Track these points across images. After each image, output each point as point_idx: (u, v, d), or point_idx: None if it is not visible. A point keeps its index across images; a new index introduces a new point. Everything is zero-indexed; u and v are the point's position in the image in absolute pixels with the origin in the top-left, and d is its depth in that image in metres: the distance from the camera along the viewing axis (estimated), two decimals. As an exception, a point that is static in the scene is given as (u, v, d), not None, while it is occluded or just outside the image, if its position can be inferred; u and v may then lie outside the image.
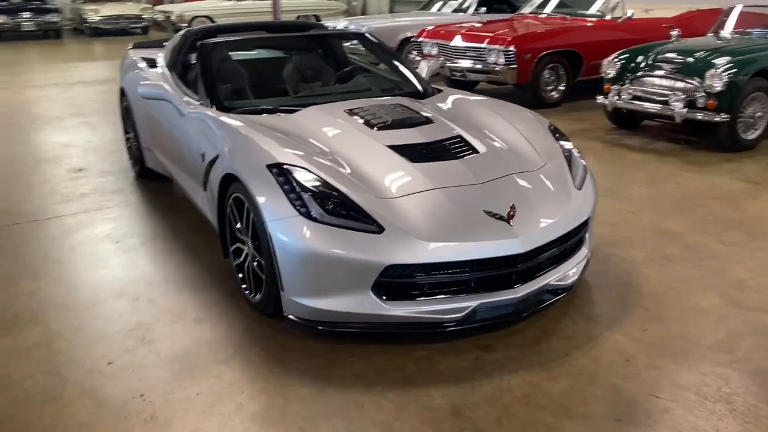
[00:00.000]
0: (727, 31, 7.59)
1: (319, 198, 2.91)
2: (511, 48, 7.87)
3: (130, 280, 3.70)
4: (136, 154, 5.36)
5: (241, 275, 3.41)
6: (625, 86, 6.68)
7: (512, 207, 3.03)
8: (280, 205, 2.92)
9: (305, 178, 2.99)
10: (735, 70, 5.94)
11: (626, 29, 8.71)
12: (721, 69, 5.94)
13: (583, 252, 3.37)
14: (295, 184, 2.96)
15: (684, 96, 6.12)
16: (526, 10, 9.83)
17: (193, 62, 4.96)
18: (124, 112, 5.53)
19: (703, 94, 6.02)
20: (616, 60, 6.87)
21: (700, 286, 3.55)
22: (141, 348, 3.03)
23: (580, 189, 3.37)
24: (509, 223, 2.96)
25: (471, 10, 11.24)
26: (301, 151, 3.21)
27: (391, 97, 4.15)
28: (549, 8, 9.68)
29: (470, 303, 2.89)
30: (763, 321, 3.18)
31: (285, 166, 3.05)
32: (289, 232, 2.86)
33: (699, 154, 6.17)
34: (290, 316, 3.01)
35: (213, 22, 17.81)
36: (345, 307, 2.86)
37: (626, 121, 7.16)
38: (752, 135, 6.24)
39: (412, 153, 3.30)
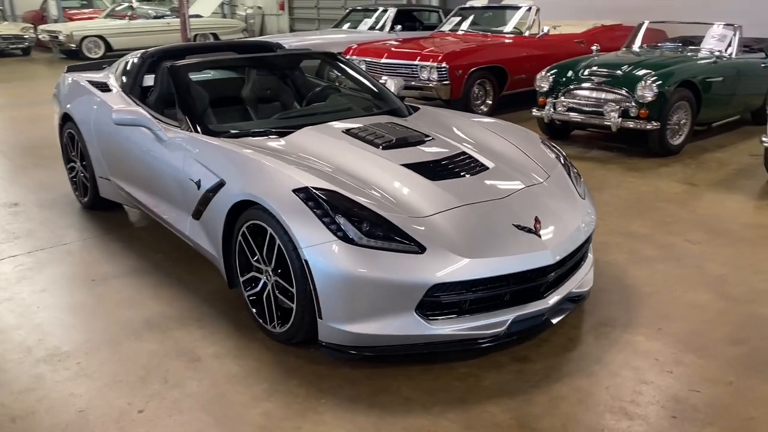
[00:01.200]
0: (637, 45, 8.18)
1: (354, 220, 2.85)
2: (444, 64, 8.07)
3: (126, 321, 3.44)
4: (86, 185, 5.00)
5: (253, 305, 3.27)
6: (559, 99, 7.03)
7: (536, 219, 3.11)
8: (314, 230, 2.83)
9: (335, 201, 2.92)
10: (661, 81, 6.41)
11: (544, 45, 9.19)
12: (650, 81, 6.40)
13: (590, 259, 3.51)
14: (326, 207, 2.89)
15: (618, 107, 6.53)
16: (445, 27, 10.11)
17: (150, 84, 4.75)
18: (68, 139, 5.14)
19: (634, 104, 6.46)
20: (548, 74, 7.22)
21: (688, 283, 3.79)
22: (168, 392, 2.82)
23: (584, 198, 3.52)
24: (538, 235, 3.04)
25: (387, 28, 11.40)
26: (321, 173, 3.14)
27: (376, 115, 4.14)
28: (465, 26, 10.02)
29: (507, 316, 2.93)
30: (757, 313, 3.44)
31: (312, 190, 2.96)
32: (328, 257, 2.78)
33: (634, 160, 6.59)
34: (327, 344, 2.91)
35: (105, 41, 16.98)
36: (388, 330, 2.81)
37: (558, 131, 7.53)
38: (678, 140, 6.76)
39: (427, 171, 3.31)
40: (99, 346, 3.18)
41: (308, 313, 2.93)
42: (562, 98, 7.02)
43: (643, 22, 8.28)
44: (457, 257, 2.82)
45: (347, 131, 3.72)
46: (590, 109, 6.81)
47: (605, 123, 6.59)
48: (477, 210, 3.08)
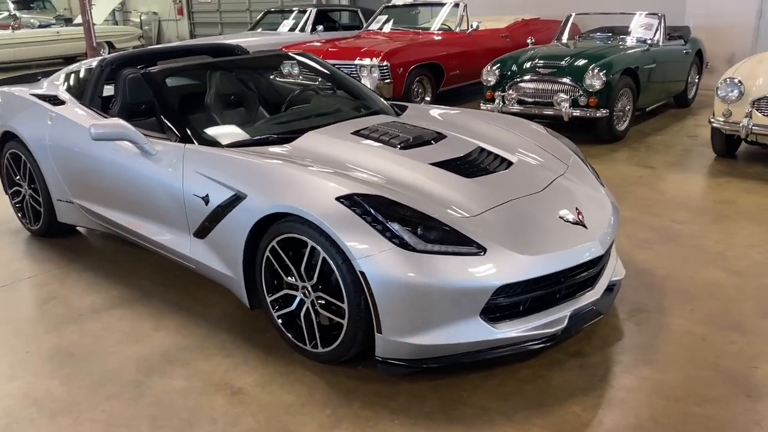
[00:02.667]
0: (566, 37, 8.43)
1: (408, 225, 2.68)
2: (385, 63, 7.96)
3: (139, 358, 3.08)
4: (38, 210, 4.48)
5: (287, 326, 3.03)
6: (507, 92, 7.11)
7: (578, 210, 3.07)
8: (368, 239, 2.63)
9: (384, 206, 2.74)
10: (606, 70, 6.62)
11: (474, 41, 9.29)
12: (597, 70, 6.58)
13: (613, 246, 3.52)
14: (375, 213, 2.69)
15: (568, 97, 6.68)
16: (373, 26, 10.00)
17: (110, 94, 4.33)
18: (9, 161, 4.59)
19: (583, 93, 6.63)
20: (494, 68, 7.28)
21: (695, 262, 3.89)
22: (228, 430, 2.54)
23: (603, 185, 3.52)
24: (585, 226, 2.99)
25: (308, 29, 11.13)
26: (358, 179, 2.94)
27: (369, 116, 3.96)
28: (391, 24, 9.96)
29: (565, 312, 2.86)
30: (769, 284, 3.58)
31: (357, 197, 2.76)
32: (387, 267, 2.59)
33: (586, 148, 6.74)
34: (385, 360, 2.72)
35: (-13, 54, 15.57)
36: (454, 339, 2.66)
37: (504, 124, 7.60)
38: (623, 126, 7.01)
39: (459, 169, 3.18)
40: (120, 392, 2.82)
41: (363, 328, 2.73)
42: (510, 91, 7.10)
43: (570, 15, 8.54)
44: (519, 255, 2.72)
45: (356, 133, 3.53)
46: (540, 100, 6.93)
47: (557, 113, 6.72)
48: (521, 205, 2.99)
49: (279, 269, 2.98)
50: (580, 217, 3.03)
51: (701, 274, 3.72)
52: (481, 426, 2.51)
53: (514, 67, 7.20)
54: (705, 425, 2.47)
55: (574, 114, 6.68)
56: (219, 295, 3.64)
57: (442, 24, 9.58)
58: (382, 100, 4.35)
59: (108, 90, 4.38)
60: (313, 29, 11.12)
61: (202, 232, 3.32)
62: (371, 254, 2.60)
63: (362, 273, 2.62)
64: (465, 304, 2.64)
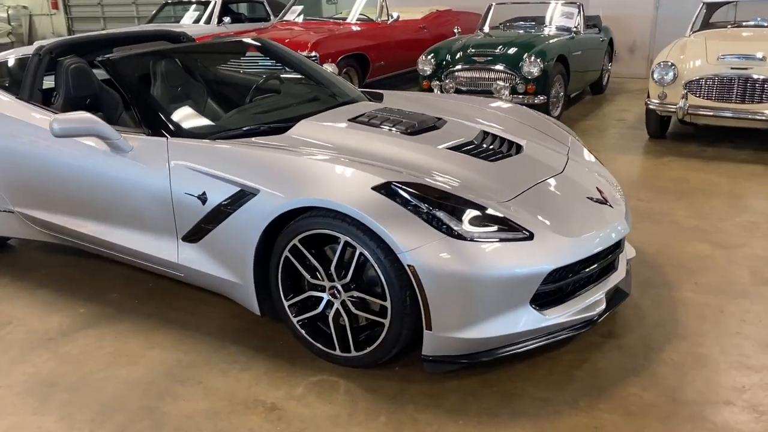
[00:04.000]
0: (488, 26, 8.52)
1: (454, 213, 2.51)
2: (314, 53, 7.68)
3: (139, 381, 2.70)
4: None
5: (311, 332, 2.77)
6: (444, 81, 7.06)
7: (599, 189, 3.02)
8: (414, 230, 2.43)
9: (426, 194, 2.55)
10: (541, 57, 6.73)
11: (394, 31, 9.19)
12: (533, 57, 6.68)
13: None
14: (417, 202, 2.50)
15: (507, 84, 6.73)
16: (289, 17, 9.64)
17: (51, 86, 3.83)
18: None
19: (521, 81, 6.71)
20: (429, 58, 7.21)
21: (678, 238, 3.99)
22: (274, 454, 2.26)
23: (602, 164, 3.51)
24: (610, 205, 2.95)
25: (214, 21, 10.59)
26: (391, 166, 2.73)
27: (350, 104, 3.74)
28: (301, 16, 9.65)
29: (600, 293, 2.80)
30: (754, 254, 3.72)
31: (394, 185, 2.55)
32: (438, 258, 2.40)
33: (526, 134, 6.85)
34: (435, 358, 2.54)
35: None
36: (504, 329, 2.51)
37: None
38: (556, 113, 7.16)
39: (476, 153, 3.05)
40: (133, 422, 2.45)
41: (408, 326, 2.53)
42: (447, 80, 7.07)
43: (491, 4, 8.64)
44: (564, 238, 2.62)
45: (354, 120, 3.31)
46: (476, 88, 6.94)
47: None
48: (549, 187, 2.90)
49: (302, 270, 2.71)
50: (603, 195, 2.99)
51: (688, 249, 3.82)
52: (548, 417, 2.39)
53: (448, 57, 7.16)
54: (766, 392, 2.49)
55: (514, 101, 6.73)
56: (208, 305, 3.29)
57: (361, 15, 9.41)
58: (355, 87, 4.13)
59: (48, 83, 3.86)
60: (220, 21, 10.61)
61: (194, 235, 2.97)
62: (420, 246, 2.41)
63: (411, 267, 2.41)
64: (516, 293, 2.51)
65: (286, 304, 2.80)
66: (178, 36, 4.57)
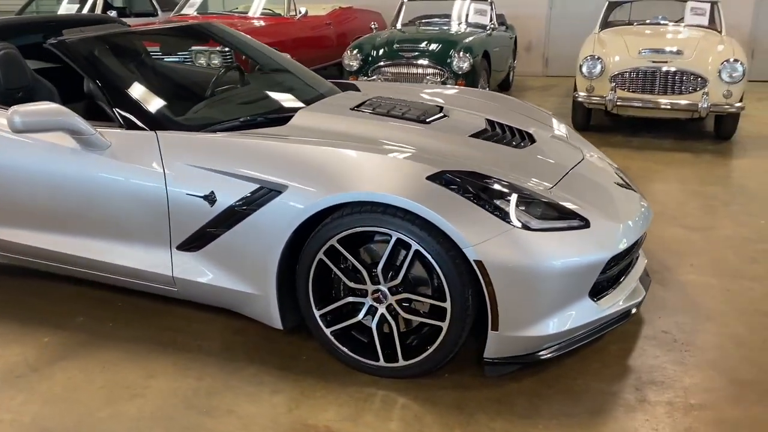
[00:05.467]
0: (400, 23, 8.45)
1: (517, 203, 2.33)
2: (229, 48, 7.19)
3: (158, 415, 2.28)
4: None
5: (350, 344, 2.49)
6: (372, 77, 6.88)
7: (618, 173, 2.98)
8: (479, 221, 2.23)
9: (482, 183, 2.36)
10: (470, 53, 6.73)
11: (303, 27, 8.86)
12: (462, 52, 6.67)
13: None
14: (477, 191, 2.30)
15: (437, 79, 6.67)
16: (188, 10, 9.00)
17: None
18: None
19: (451, 75, 6.68)
20: (355, 53, 7.00)
21: (652, 224, 4.05)
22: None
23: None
24: (634, 189, 2.91)
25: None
26: (434, 155, 2.50)
27: (337, 94, 3.47)
28: (194, 8, 9.06)
29: (635, 279, 2.75)
30: (728, 235, 3.86)
31: (449, 174, 2.33)
32: (506, 252, 2.21)
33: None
34: (499, 360, 2.35)
35: None
36: (568, 324, 2.37)
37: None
38: (482, 108, 7.21)
39: (499, 141, 2.89)
40: (168, 464, 2.05)
41: (467, 329, 2.33)
42: (374, 76, 6.90)
43: (403, 1, 8.57)
44: (615, 224, 2.53)
45: (357, 108, 3.05)
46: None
47: (433, 95, 6.67)
48: (581, 173, 2.80)
49: (340, 273, 2.42)
50: (625, 179, 2.95)
51: (667, 233, 3.90)
52: (625, 411, 2.28)
53: (374, 52, 7.00)
54: (805, 368, 2.54)
55: (444, 96, 6.69)
56: (199, 322, 2.90)
57: (267, 9, 8.99)
58: (322, 82, 3.84)
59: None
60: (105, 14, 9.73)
61: (195, 243, 2.59)
62: (487, 239, 2.21)
63: (478, 262, 2.21)
64: (579, 284, 2.38)
65: (317, 314, 2.49)
66: (114, 22, 4.04)
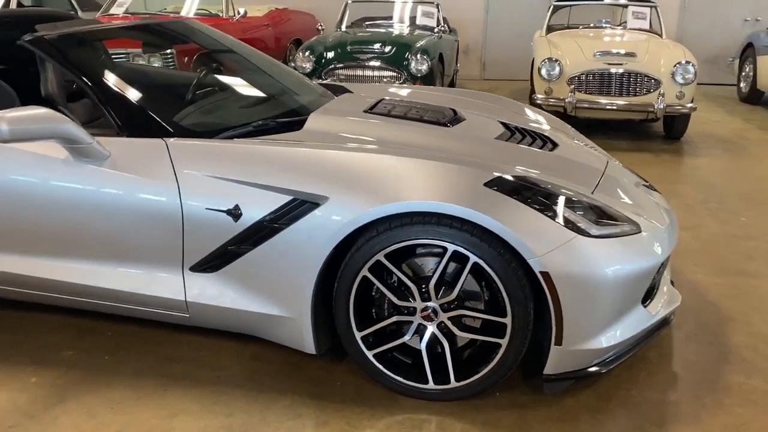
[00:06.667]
0: (345, 25, 8.26)
1: (575, 209, 2.21)
2: (170, 50, 6.75)
3: (190, 463, 2.00)
4: None
5: (394, 366, 2.29)
6: (326, 79, 6.66)
7: (638, 175, 2.93)
8: (542, 230, 2.09)
9: (538, 188, 2.22)
10: (426, 55, 6.64)
11: (242, 28, 8.50)
12: (420, 55, 6.56)
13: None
14: (534, 197, 2.17)
15: (395, 82, 6.53)
16: (116, 10, 8.44)
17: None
18: None
19: (409, 78, 6.56)
20: (308, 55, 6.76)
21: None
22: None
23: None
24: (658, 191, 2.86)
25: (14, 15, 8.95)
26: (478, 160, 2.34)
27: (339, 97, 3.26)
28: (122, 9, 8.53)
29: (668, 284, 2.70)
30: (717, 232, 3.92)
31: (507, 179, 2.19)
32: (572, 261, 2.09)
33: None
34: (558, 376, 2.22)
35: None
36: (626, 333, 2.26)
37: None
38: (438, 111, 7.13)
39: (524, 144, 2.77)
40: None
41: (526, 344, 2.19)
42: (329, 79, 6.67)
43: (347, 2, 8.38)
44: (659, 226, 2.45)
45: (370, 111, 2.86)
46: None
47: (393, 98, 6.52)
48: (613, 176, 2.72)
49: (386, 291, 2.22)
50: (647, 181, 2.90)
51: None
52: (695, 422, 2.20)
53: (327, 54, 6.78)
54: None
55: (403, 99, 6.56)
56: (206, 349, 2.63)
57: (202, 9, 8.57)
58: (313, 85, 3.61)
59: None
60: (22, 15, 8.99)
61: (213, 262, 2.32)
62: (553, 248, 2.08)
63: (544, 273, 2.07)
64: (635, 291, 2.28)
65: (358, 336, 2.28)
66: (69, 17, 3.65)
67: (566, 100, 6.12)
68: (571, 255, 2.09)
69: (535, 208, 2.12)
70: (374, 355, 2.29)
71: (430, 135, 2.65)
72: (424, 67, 6.51)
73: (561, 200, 2.20)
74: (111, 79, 2.49)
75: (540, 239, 2.07)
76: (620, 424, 2.19)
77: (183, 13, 8.57)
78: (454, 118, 2.90)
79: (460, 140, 2.64)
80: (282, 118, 2.73)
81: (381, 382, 2.33)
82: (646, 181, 2.90)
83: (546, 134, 2.99)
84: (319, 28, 7.86)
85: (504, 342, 2.18)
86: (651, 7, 7.41)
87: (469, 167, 2.22)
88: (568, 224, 2.13)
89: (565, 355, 2.18)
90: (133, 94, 2.48)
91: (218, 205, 2.25)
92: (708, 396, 2.35)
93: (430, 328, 2.24)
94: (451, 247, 2.12)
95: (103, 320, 2.79)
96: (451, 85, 8.96)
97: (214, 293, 2.35)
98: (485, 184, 2.15)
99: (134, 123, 2.40)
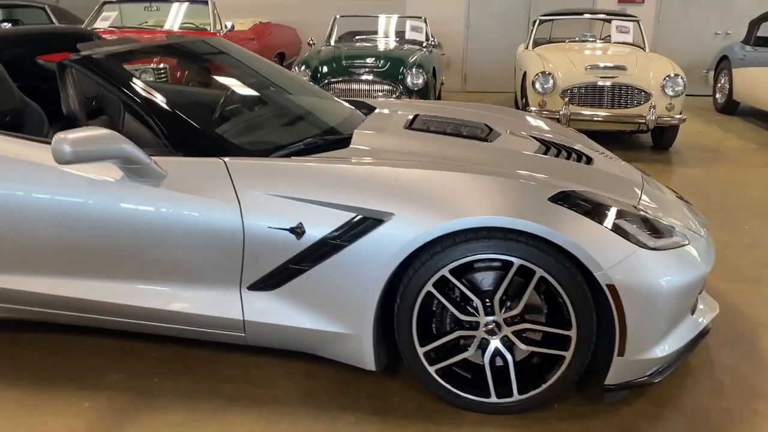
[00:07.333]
0: (334, 39, 8.30)
1: (635, 222, 2.27)
2: (163, 65, 6.69)
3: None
4: None
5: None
6: (322, 93, 6.67)
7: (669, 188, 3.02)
8: (608, 243, 2.14)
9: (597, 202, 2.28)
10: (422, 69, 6.70)
11: (232, 42, 8.47)
12: (415, 69, 6.62)
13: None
14: (597, 211, 2.22)
15: (392, 96, 6.58)
16: (101, 24, 8.31)
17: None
18: None
19: (405, 92, 6.61)
20: (305, 70, 6.76)
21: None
22: None
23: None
24: (688, 201, 2.95)
25: (-9, 29, 8.75)
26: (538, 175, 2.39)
27: (370, 113, 3.29)
28: (108, 23, 8.42)
29: (704, 292, 2.78)
30: (726, 240, 4.05)
31: (572, 194, 2.25)
32: (638, 273, 2.14)
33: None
34: (618, 386, 2.27)
35: None
36: (679, 342, 2.33)
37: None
38: (431, 124, 7.20)
39: (566, 158, 2.83)
40: None
41: (589, 356, 2.23)
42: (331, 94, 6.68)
43: (336, 17, 8.42)
44: (703, 237, 2.53)
45: (410, 127, 2.89)
46: (358, 100, 6.67)
47: (391, 112, 6.56)
48: (651, 189, 2.79)
49: (451, 306, 2.24)
50: (679, 194, 2.99)
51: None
52: (753, 427, 2.27)
53: (322, 68, 6.79)
54: None
55: (399, 113, 6.60)
56: (256, 367, 2.61)
57: (189, 23, 8.52)
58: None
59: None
60: None
61: (272, 280, 2.32)
62: (619, 261, 2.13)
63: (610, 286, 2.12)
64: (688, 300, 2.35)
65: (420, 351, 2.29)
66: (90, 34, 3.61)
67: (561, 113, 6.24)
68: (634, 268, 2.14)
69: (598, 222, 2.18)
70: (436, 371, 2.31)
71: (473, 150, 2.69)
72: (421, 81, 6.58)
73: (618, 214, 2.26)
74: (159, 98, 2.47)
75: (606, 253, 2.12)
76: (680, 431, 2.25)
77: (167, 27, 8.53)
78: (491, 133, 2.95)
79: (504, 155, 2.69)
80: (326, 135, 2.74)
81: (441, 397, 2.35)
82: (677, 193, 2.99)
83: (576, 148, 3.05)
84: (310, 42, 7.86)
85: (568, 354, 2.22)
86: (634, 21, 7.63)
87: (531, 182, 2.26)
88: (629, 237, 2.19)
89: (626, 365, 2.23)
90: (186, 114, 2.46)
91: (281, 224, 2.24)
92: (757, 402, 2.42)
93: (493, 343, 2.27)
94: (517, 262, 2.16)
95: (143, 341, 2.75)
96: (438, 98, 9.06)
97: (272, 311, 2.35)
98: (550, 199, 2.19)
99: (189, 142, 2.38)
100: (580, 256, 2.11)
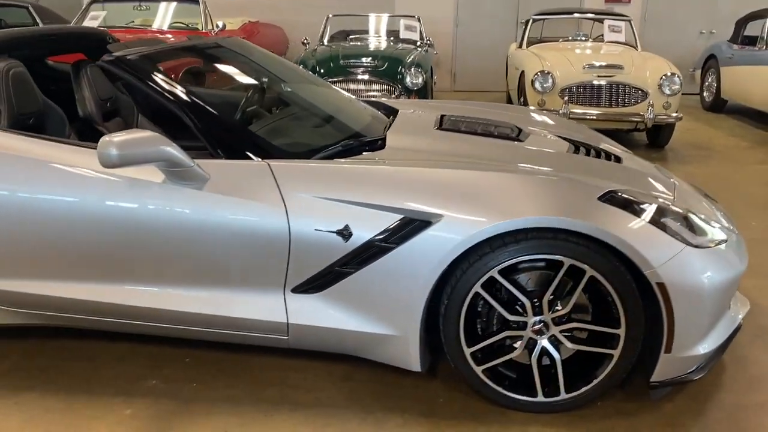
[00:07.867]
0: (327, 38, 8.26)
1: (675, 219, 2.29)
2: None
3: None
4: None
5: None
6: (320, 93, 6.63)
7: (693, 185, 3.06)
8: (657, 242, 2.16)
9: (645, 201, 2.30)
10: (421, 68, 6.70)
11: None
12: (414, 69, 6.62)
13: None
14: (644, 210, 2.24)
15: (392, 96, 6.57)
16: (91, 22, 8.16)
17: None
18: None
19: (404, 92, 6.61)
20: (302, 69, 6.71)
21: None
22: None
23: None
24: (713, 198, 2.99)
25: (-25, 28, 8.56)
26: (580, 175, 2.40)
27: (395, 115, 3.27)
28: (97, 22, 8.27)
29: (733, 288, 2.82)
30: (736, 238, 4.10)
31: (619, 193, 2.26)
32: (686, 271, 2.16)
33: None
34: (664, 382, 2.29)
35: None
36: (721, 337, 2.36)
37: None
38: (429, 123, 7.20)
39: (598, 156, 2.85)
40: None
41: (637, 354, 2.25)
42: (323, 92, 6.65)
43: (328, 16, 8.39)
44: (735, 234, 2.57)
45: (440, 128, 2.89)
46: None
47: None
48: (680, 186, 2.82)
49: (499, 306, 2.24)
50: (706, 192, 3.03)
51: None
52: (791, 421, 2.31)
53: (319, 68, 6.75)
54: None
55: (398, 112, 6.60)
56: (294, 370, 2.59)
57: (179, 22, 8.41)
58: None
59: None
60: (-16, 28, 8.61)
61: (317, 282, 2.30)
62: (668, 260, 2.15)
63: (660, 284, 2.14)
64: (729, 297, 2.39)
65: (467, 352, 2.29)
66: (102, 35, 3.55)
67: (560, 111, 6.28)
68: (681, 265, 2.17)
69: (647, 221, 2.19)
70: (483, 371, 2.31)
71: (508, 151, 2.70)
72: (420, 80, 6.58)
73: (662, 212, 2.28)
74: (200, 100, 2.43)
75: (655, 251, 2.14)
76: (725, 428, 2.28)
77: (155, 27, 8.41)
78: (521, 133, 2.96)
79: (539, 155, 2.69)
80: (358, 137, 2.72)
81: (486, 397, 2.35)
82: (702, 190, 3.02)
83: (601, 148, 3.08)
84: (305, 42, 7.82)
85: (616, 352, 2.24)
86: (626, 21, 7.72)
87: (579, 182, 2.27)
88: (676, 235, 2.21)
89: (672, 362, 2.25)
90: (226, 116, 2.43)
91: (328, 226, 2.22)
92: (800, 395, 2.47)
93: (541, 342, 2.28)
94: (568, 262, 2.16)
95: (174, 346, 2.71)
96: (431, 97, 9.07)
97: (316, 314, 2.32)
98: (599, 199, 2.20)
99: (232, 145, 2.35)
100: (631, 255, 2.12)
